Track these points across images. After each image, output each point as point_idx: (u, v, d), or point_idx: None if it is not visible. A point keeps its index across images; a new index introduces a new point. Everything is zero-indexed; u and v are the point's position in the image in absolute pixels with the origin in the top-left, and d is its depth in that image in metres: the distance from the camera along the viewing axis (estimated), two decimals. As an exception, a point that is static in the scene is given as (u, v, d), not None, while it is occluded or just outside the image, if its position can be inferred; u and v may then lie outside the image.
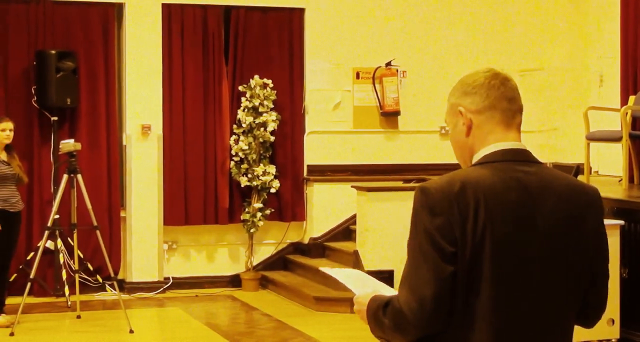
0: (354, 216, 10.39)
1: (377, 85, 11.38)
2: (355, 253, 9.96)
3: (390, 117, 11.47)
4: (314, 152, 11.27)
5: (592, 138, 9.81)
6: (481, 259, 2.60)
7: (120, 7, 10.80)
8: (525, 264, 2.64)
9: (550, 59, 11.93)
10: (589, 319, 2.83)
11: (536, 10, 11.96)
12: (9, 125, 8.99)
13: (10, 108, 10.23)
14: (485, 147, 2.76)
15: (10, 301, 9.23)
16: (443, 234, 2.59)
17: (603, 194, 2.93)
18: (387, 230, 9.79)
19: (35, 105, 10.34)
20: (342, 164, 11.33)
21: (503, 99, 2.80)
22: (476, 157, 2.77)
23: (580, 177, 8.28)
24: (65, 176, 9.14)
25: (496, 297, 2.61)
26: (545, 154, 11.65)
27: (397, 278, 9.65)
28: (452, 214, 2.60)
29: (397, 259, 9.63)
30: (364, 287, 2.95)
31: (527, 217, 2.65)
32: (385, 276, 9.72)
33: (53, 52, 10.20)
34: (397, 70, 11.42)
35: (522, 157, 2.76)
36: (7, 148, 9.03)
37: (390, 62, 11.38)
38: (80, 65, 10.45)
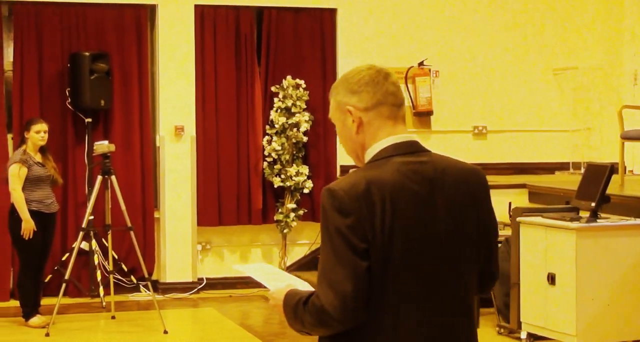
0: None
1: (409, 85, 11.35)
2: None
3: (422, 117, 11.44)
4: (347, 152, 11.24)
5: (627, 137, 9.74)
6: (392, 250, 2.76)
7: (153, 8, 10.84)
8: (432, 248, 2.82)
9: (585, 57, 11.86)
10: (486, 287, 3.07)
11: (570, 8, 11.89)
12: (44, 127, 9.05)
13: (45, 110, 10.29)
14: (377, 142, 2.89)
15: (45, 301, 9.28)
16: (354, 233, 2.73)
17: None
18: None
19: (70, 107, 10.40)
20: (375, 164, 11.29)
21: (388, 95, 2.93)
22: (370, 153, 2.90)
23: (615, 177, 8.22)
24: (99, 177, 9.18)
25: (409, 279, 2.80)
26: (580, 154, 11.60)
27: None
28: (360, 213, 2.74)
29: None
30: (277, 282, 3.06)
31: (429, 204, 2.83)
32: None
33: (87, 54, 10.25)
34: (429, 70, 11.39)
35: (413, 148, 2.91)
36: (42, 150, 9.09)
37: (422, 61, 11.36)
38: (113, 67, 10.50)
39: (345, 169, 11.17)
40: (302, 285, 3.00)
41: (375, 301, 2.79)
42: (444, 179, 2.90)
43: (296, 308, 2.85)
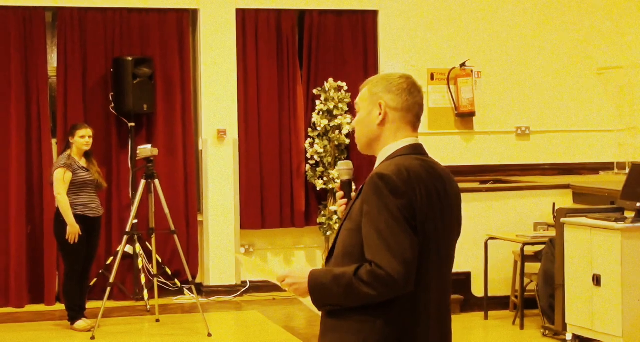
0: (430, 218, 10.31)
1: (451, 87, 11.32)
2: (432, 255, 9.89)
3: (465, 118, 11.40)
4: (389, 154, 11.22)
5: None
6: (425, 231, 3.20)
7: (195, 13, 10.88)
8: (445, 236, 3.31)
9: (629, 56, 11.75)
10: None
11: (614, 7, 11.79)
12: (88, 132, 9.11)
13: (89, 115, 10.37)
14: (395, 142, 3.34)
15: (90, 305, 9.35)
16: (407, 211, 3.15)
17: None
18: (463, 232, 9.66)
19: (113, 111, 10.46)
20: (417, 166, 11.26)
21: (416, 105, 3.38)
22: (392, 148, 3.34)
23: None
24: (143, 181, 9.22)
25: (435, 259, 3.25)
26: (624, 153, 11.50)
27: (475, 280, 9.60)
28: (409, 195, 3.17)
29: (474, 261, 9.56)
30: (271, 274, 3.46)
31: (442, 198, 3.28)
32: (462, 278, 9.66)
33: (130, 58, 10.31)
34: (471, 71, 11.34)
35: (423, 151, 3.38)
36: (86, 154, 9.15)
37: (464, 62, 11.32)
38: (156, 72, 10.55)
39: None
40: (282, 269, 3.37)
41: (418, 273, 3.18)
42: (449, 178, 3.36)
43: (337, 282, 3.15)
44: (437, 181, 3.29)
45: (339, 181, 10.59)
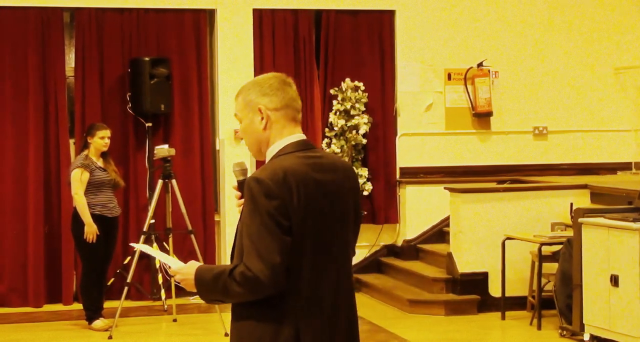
0: (448, 218, 10.32)
1: (469, 86, 11.30)
2: (449, 255, 9.90)
3: (482, 118, 11.38)
4: (406, 154, 11.24)
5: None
6: (306, 227, 3.32)
7: (212, 13, 10.90)
8: (334, 226, 3.42)
9: (646, 56, 11.73)
10: (353, 254, 3.63)
11: (631, 6, 11.76)
12: (108, 133, 9.13)
13: (106, 115, 10.40)
14: (281, 139, 3.47)
15: (108, 304, 9.37)
16: (280, 213, 3.28)
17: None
18: (480, 232, 9.71)
19: (130, 111, 10.49)
20: (434, 165, 11.27)
21: (292, 100, 3.54)
22: (276, 147, 3.47)
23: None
24: (160, 181, 9.24)
25: (319, 252, 3.37)
26: (642, 153, 11.47)
27: (492, 280, 9.58)
28: (283, 196, 3.29)
29: (491, 261, 9.55)
30: (167, 260, 3.66)
31: (328, 190, 3.40)
32: (480, 278, 9.65)
33: (147, 59, 10.33)
34: (489, 71, 11.32)
35: (308, 146, 3.52)
36: (103, 154, 9.18)
37: (481, 62, 11.30)
38: (173, 72, 10.57)
39: (405, 171, 11.16)
40: (177, 262, 3.56)
41: (294, 270, 3.33)
42: (336, 170, 3.47)
43: (216, 280, 3.34)
44: (322, 174, 3.41)
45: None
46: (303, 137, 3.53)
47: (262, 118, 3.47)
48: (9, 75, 10.32)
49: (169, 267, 3.60)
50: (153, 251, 3.94)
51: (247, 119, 3.52)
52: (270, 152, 3.48)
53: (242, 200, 3.55)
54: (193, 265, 3.46)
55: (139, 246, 4.03)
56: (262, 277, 3.26)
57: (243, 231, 3.35)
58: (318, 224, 3.37)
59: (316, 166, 3.42)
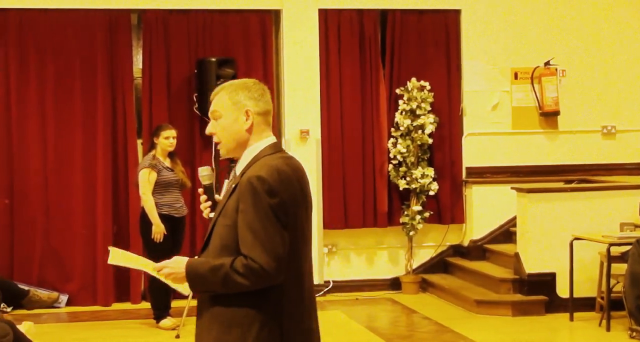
0: (514, 218, 10.26)
1: (535, 85, 11.21)
2: (516, 255, 9.83)
3: (549, 117, 11.29)
4: (473, 153, 11.18)
5: None
6: (295, 220, 3.57)
7: (277, 13, 10.94)
8: (307, 216, 3.70)
9: None
10: None
11: (701, 4, 11.59)
12: (173, 133, 9.21)
13: (173, 115, 10.48)
14: (260, 141, 3.71)
15: (175, 304, 9.43)
16: (281, 209, 3.52)
17: None
18: (548, 232, 9.63)
19: (197, 112, 10.56)
20: (501, 165, 11.20)
21: (271, 107, 3.76)
22: (255, 148, 3.70)
23: None
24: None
25: (301, 245, 3.62)
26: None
27: (560, 281, 9.50)
28: (281, 194, 3.53)
29: (558, 261, 9.46)
30: (146, 264, 3.88)
31: (302, 186, 3.66)
32: (547, 279, 9.57)
33: (213, 59, 10.40)
34: (556, 70, 11.23)
35: (281, 147, 3.78)
36: (170, 154, 9.25)
37: (549, 61, 11.20)
38: (239, 72, 10.61)
39: (471, 171, 11.11)
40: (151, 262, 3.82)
41: (289, 263, 3.55)
42: (301, 168, 3.73)
43: (214, 272, 3.51)
44: (297, 174, 3.67)
45: (422, 181, 10.57)
46: (275, 139, 3.78)
47: (247, 120, 3.69)
48: (79, 76, 10.45)
49: (154, 266, 3.78)
50: (129, 259, 4.06)
51: (229, 117, 3.72)
52: (250, 152, 3.71)
53: (209, 203, 3.87)
54: (179, 259, 3.66)
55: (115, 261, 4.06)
56: (268, 268, 3.46)
57: (241, 225, 3.52)
58: (301, 217, 3.63)
59: (292, 165, 3.67)
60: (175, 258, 3.70)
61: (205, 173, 3.96)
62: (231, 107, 3.73)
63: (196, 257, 3.73)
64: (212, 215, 3.80)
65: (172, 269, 3.67)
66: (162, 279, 3.73)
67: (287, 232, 3.54)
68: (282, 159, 3.68)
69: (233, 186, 3.69)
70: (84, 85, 10.45)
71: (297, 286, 3.65)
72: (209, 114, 3.82)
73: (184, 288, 3.74)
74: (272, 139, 3.76)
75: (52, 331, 9.19)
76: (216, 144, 3.81)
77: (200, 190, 3.91)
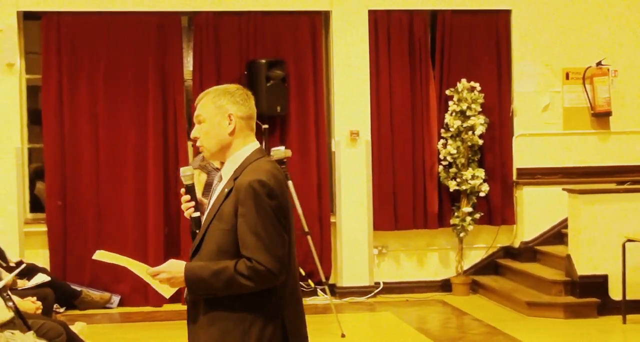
0: (566, 219, 10.18)
1: (587, 86, 11.13)
2: (568, 257, 9.76)
3: (601, 117, 11.19)
4: (523, 154, 11.12)
5: None
6: (289, 222, 3.70)
7: (327, 14, 10.95)
8: (292, 216, 3.80)
9: None
10: None
11: None
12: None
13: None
14: (245, 146, 3.79)
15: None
16: (280, 212, 3.64)
17: None
18: (600, 233, 9.55)
19: (247, 114, 10.58)
20: (552, 166, 11.13)
21: (254, 111, 3.90)
22: (243, 152, 3.78)
23: None
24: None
25: (293, 246, 3.75)
26: None
27: (612, 283, 9.42)
28: (279, 197, 3.66)
29: (611, 263, 9.38)
30: (138, 263, 3.93)
31: (286, 188, 3.78)
32: (600, 281, 9.49)
33: (263, 61, 10.43)
34: (608, 70, 11.13)
35: (265, 153, 3.86)
36: (221, 156, 9.27)
37: (600, 61, 11.11)
38: (289, 74, 10.64)
39: (522, 172, 11.05)
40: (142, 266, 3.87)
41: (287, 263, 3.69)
42: (280, 171, 3.78)
43: (217, 275, 3.59)
44: (283, 178, 3.78)
45: (472, 182, 10.54)
46: (259, 144, 3.88)
47: (230, 123, 3.77)
48: (130, 79, 10.53)
49: (148, 271, 3.81)
50: (117, 259, 4.06)
51: (213, 122, 3.79)
52: (237, 157, 3.79)
53: (192, 203, 3.97)
54: (176, 263, 3.75)
55: (100, 257, 4.09)
56: (273, 270, 3.58)
57: (242, 229, 3.61)
58: (291, 219, 3.76)
59: (279, 170, 3.78)
60: (172, 262, 3.76)
61: (187, 173, 4.01)
62: (214, 111, 3.81)
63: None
64: (194, 215, 3.93)
65: (170, 274, 3.74)
66: (153, 285, 3.82)
67: (286, 233, 3.67)
68: (271, 164, 3.77)
69: (227, 190, 3.73)
70: (135, 87, 10.53)
71: (293, 288, 3.78)
72: (194, 119, 3.87)
73: (165, 290, 3.84)
74: (257, 144, 3.85)
75: (105, 332, 9.27)
76: (198, 147, 3.85)
77: (182, 190, 3.98)
